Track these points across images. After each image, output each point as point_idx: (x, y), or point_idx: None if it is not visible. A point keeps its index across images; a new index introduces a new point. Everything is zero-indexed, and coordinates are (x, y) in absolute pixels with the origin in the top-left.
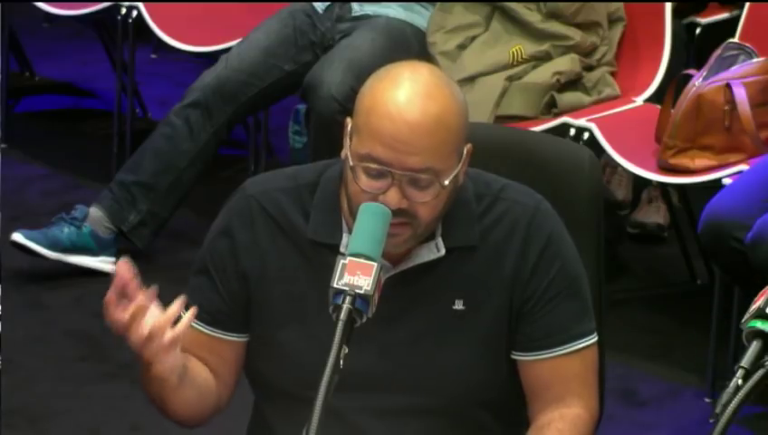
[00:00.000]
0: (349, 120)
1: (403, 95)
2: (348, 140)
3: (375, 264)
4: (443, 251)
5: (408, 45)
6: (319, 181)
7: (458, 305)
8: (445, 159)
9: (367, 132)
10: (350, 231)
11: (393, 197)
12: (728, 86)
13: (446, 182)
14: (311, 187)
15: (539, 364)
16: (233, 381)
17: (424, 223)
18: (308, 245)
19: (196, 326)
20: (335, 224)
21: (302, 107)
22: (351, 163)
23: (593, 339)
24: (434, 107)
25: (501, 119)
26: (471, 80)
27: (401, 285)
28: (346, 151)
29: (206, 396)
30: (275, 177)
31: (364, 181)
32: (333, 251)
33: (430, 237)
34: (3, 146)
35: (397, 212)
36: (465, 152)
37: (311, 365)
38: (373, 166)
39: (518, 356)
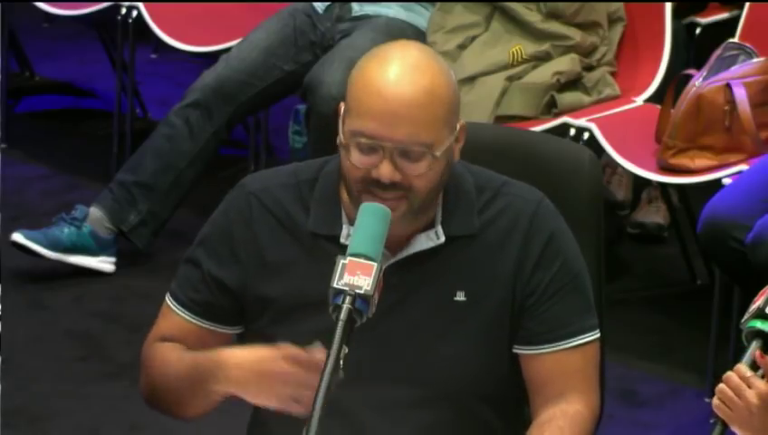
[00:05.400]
0: (342, 103)
1: (392, 71)
2: (341, 123)
3: (375, 264)
4: (442, 238)
5: None
6: (318, 177)
7: (460, 297)
8: (436, 131)
9: (357, 109)
10: (350, 222)
11: (385, 169)
12: (728, 86)
13: (439, 154)
14: (310, 182)
15: (541, 358)
16: None
17: (420, 196)
18: (309, 238)
19: (186, 316)
20: (335, 215)
21: (302, 107)
22: (344, 141)
23: (595, 335)
24: (423, 80)
25: (501, 119)
26: (471, 80)
27: (400, 273)
28: (340, 135)
29: None
30: (275, 174)
31: (356, 157)
32: (334, 242)
33: (430, 226)
34: (3, 146)
35: (391, 186)
36: (458, 127)
37: None
38: (363, 140)
39: (520, 350)
